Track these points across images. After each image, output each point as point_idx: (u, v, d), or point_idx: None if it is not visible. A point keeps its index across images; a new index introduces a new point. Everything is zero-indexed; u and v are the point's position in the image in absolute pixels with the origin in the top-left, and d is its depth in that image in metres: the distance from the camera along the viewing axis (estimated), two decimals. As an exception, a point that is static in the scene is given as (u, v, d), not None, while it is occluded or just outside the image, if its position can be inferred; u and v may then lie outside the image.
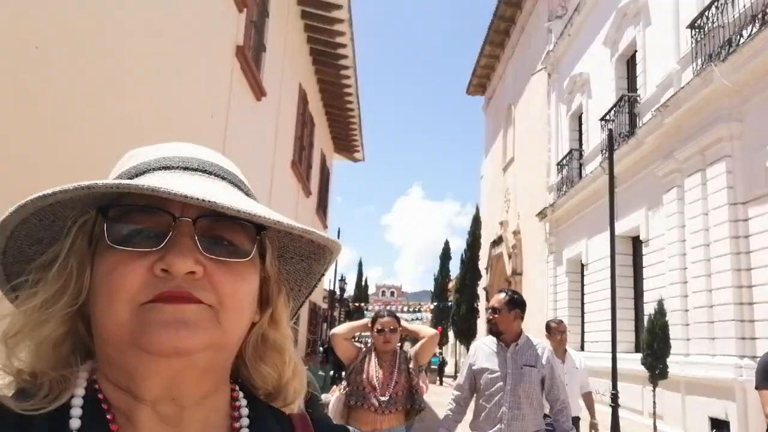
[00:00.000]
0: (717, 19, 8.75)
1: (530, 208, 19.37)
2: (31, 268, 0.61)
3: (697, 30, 9.31)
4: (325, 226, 20.50)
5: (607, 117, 13.08)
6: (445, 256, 37.35)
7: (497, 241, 24.53)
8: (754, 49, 7.76)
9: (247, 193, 0.68)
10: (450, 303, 31.84)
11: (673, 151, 9.95)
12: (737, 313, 8.09)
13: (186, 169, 0.63)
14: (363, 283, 51.22)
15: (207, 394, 0.62)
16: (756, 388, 3.61)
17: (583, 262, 14.90)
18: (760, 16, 7.70)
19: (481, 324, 24.27)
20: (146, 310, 0.54)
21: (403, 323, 4.41)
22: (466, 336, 26.22)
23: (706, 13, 9.03)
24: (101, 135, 4.18)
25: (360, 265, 57.83)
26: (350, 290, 49.53)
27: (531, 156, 20.33)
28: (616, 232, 12.20)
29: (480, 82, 30.03)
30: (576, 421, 5.42)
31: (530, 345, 3.96)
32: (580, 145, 15.94)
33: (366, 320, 4.44)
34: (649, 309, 9.82)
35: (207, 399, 0.62)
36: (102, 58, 4.22)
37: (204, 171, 0.64)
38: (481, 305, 26.03)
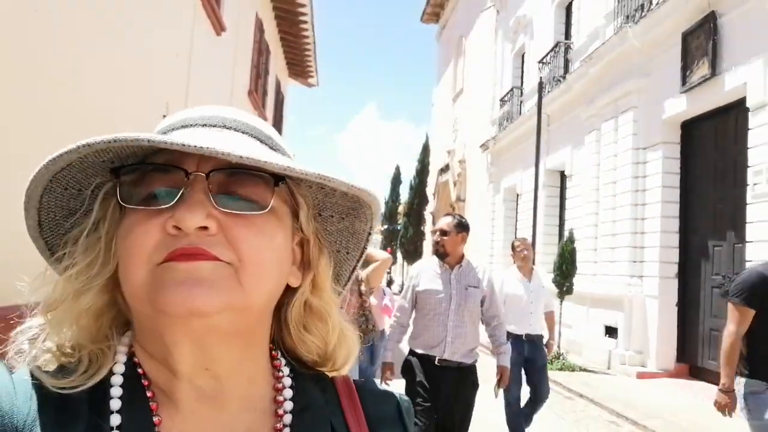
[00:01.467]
0: (637, -18, 9.88)
1: (475, 138, 20.64)
2: (66, 239, 0.61)
3: (619, -9, 10.45)
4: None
5: (544, 60, 14.27)
6: (396, 180, 38.78)
7: (444, 169, 25.95)
8: (659, 16, 8.99)
9: (273, 148, 0.65)
10: (399, 226, 33.49)
11: (594, 98, 11.28)
12: (631, 241, 9.70)
13: (205, 125, 0.61)
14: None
15: (241, 362, 0.60)
16: (731, 302, 3.37)
17: (518, 192, 16.43)
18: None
19: (427, 246, 26.02)
20: (161, 270, 0.53)
21: None
22: (413, 257, 28.05)
23: (628, -24, 10.14)
24: (73, 82, 4.54)
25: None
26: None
27: (478, 89, 21.44)
28: (547, 166, 13.76)
29: (434, 11, 30.46)
30: (540, 339, 5.62)
31: (471, 267, 4.17)
32: (522, 83, 17.14)
33: None
34: (578, 236, 11.42)
35: (243, 369, 0.61)
36: (76, 5, 4.61)
37: (224, 126, 0.62)
38: (428, 229, 27.75)
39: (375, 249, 4.77)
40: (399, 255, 32.76)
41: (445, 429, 4.02)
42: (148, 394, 0.57)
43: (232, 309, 0.55)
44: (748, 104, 7.24)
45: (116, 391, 0.56)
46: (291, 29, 18.23)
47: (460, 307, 4.00)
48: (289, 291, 0.64)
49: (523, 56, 17.28)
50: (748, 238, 7.15)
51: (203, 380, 0.58)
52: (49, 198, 0.59)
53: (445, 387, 3.98)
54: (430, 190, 28.87)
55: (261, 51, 15.69)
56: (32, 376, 0.55)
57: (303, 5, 16.34)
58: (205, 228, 0.54)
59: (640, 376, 8.89)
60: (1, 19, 3.61)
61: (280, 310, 0.65)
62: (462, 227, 4.16)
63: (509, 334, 4.99)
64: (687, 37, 8.50)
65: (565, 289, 9.93)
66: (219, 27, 10.08)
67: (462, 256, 4.16)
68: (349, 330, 0.71)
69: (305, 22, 17.52)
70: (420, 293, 4.11)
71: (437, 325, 3.99)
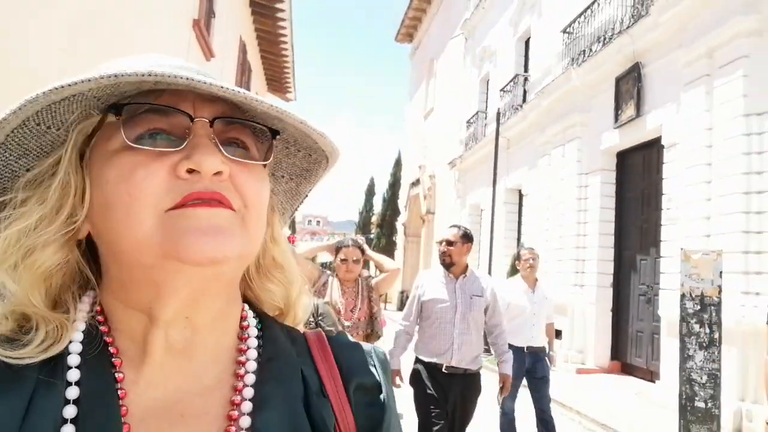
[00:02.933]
0: (582, 29, 11.36)
1: (444, 155, 22.03)
2: (19, 185, 0.55)
3: (567, 35, 11.93)
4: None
5: (505, 89, 15.73)
6: (370, 192, 40.05)
7: (415, 183, 27.32)
8: (597, 61, 10.47)
9: None
10: (372, 236, 34.74)
11: (546, 127, 12.73)
12: (574, 255, 11.12)
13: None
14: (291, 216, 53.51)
15: (221, 312, 0.60)
16: None
17: (481, 208, 17.82)
18: (603, 36, 10.35)
19: (398, 255, 27.28)
20: (175, 217, 0.51)
21: (368, 252, 4.55)
22: (385, 266, 29.28)
23: (574, 23, 11.62)
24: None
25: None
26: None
27: (447, 109, 22.87)
28: (507, 185, 15.18)
29: (408, 32, 31.91)
30: (542, 351, 5.47)
31: (475, 277, 4.27)
32: (486, 107, 18.59)
33: (329, 243, 4.59)
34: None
35: (219, 320, 0.60)
36: (84, 38, 5.19)
37: (203, 75, 0.57)
38: (399, 239, 29.08)
39: (386, 258, 4.91)
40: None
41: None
42: (111, 350, 0.55)
43: (243, 256, 0.55)
44: (663, 142, 8.70)
45: (75, 347, 0.54)
46: (271, 49, 19.60)
47: (465, 315, 4.08)
48: None
49: (488, 82, 18.74)
50: (662, 254, 8.59)
51: (178, 331, 0.57)
52: (17, 133, 0.53)
53: (453, 393, 4.08)
54: (401, 203, 30.20)
55: (244, 71, 17.03)
56: None
57: (283, 27, 17.69)
58: (219, 173, 0.53)
59: (580, 371, 10.25)
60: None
61: None
62: (467, 238, 4.24)
63: (510, 346, 4.91)
64: (619, 81, 9.98)
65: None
66: (209, 53, 11.38)
67: (466, 266, 4.26)
68: (304, 284, 0.72)
69: (285, 42, 18.87)
70: (425, 302, 4.19)
71: (444, 334, 4.07)
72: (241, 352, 0.62)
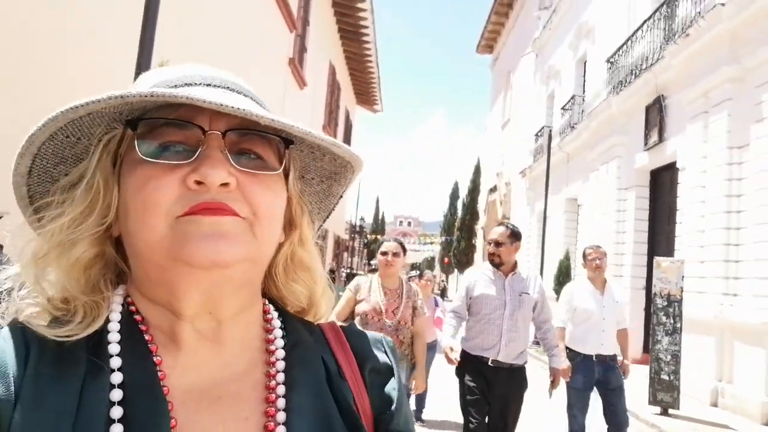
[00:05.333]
0: (621, 61, 12.88)
1: (517, 164, 23.63)
2: (55, 189, 0.62)
3: (610, 64, 13.45)
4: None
5: (565, 107, 17.27)
6: (454, 195, 42.00)
7: (493, 189, 29.01)
8: (630, 91, 12.00)
9: (267, 109, 0.68)
10: (454, 238, 36.66)
11: (595, 146, 14.27)
12: (614, 260, 12.62)
13: (209, 85, 0.63)
14: (380, 217, 56.38)
15: (242, 308, 0.64)
16: None
17: (546, 215, 19.37)
18: (636, 69, 11.87)
19: (477, 257, 29.08)
20: (183, 223, 0.56)
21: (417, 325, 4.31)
22: (464, 266, 31.17)
23: (616, 54, 13.14)
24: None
25: (377, 201, 63.31)
26: (369, 219, 55.06)
27: (520, 121, 24.45)
28: (567, 196, 16.74)
29: (488, 44, 33.51)
30: (614, 359, 5.01)
31: (522, 275, 4.27)
32: (552, 122, 20.11)
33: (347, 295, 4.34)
34: (579, 254, 14.47)
35: (242, 314, 0.65)
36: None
37: (227, 88, 0.65)
38: (478, 242, 30.86)
39: (424, 319, 4.54)
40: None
41: (497, 427, 4.16)
42: (147, 337, 0.60)
43: (249, 260, 0.59)
44: (678, 165, 10.20)
45: (114, 336, 0.59)
46: (359, 67, 22.24)
47: (514, 312, 4.10)
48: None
49: (553, 99, 20.25)
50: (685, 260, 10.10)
51: (204, 323, 0.62)
52: (49, 145, 0.59)
53: (499, 387, 4.11)
54: (480, 207, 31.93)
55: (333, 90, 19.63)
56: (24, 328, 0.57)
57: (368, 48, 20.13)
58: (225, 184, 0.57)
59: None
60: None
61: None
62: (515, 236, 4.24)
63: (578, 354, 4.91)
64: (648, 110, 11.48)
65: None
66: (302, 83, 13.88)
67: (515, 264, 4.26)
68: (329, 284, 0.77)
69: (370, 60, 21.35)
70: (475, 299, 4.21)
71: (492, 329, 4.10)
72: (269, 342, 0.67)
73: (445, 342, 4.27)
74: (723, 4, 8.42)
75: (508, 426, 4.16)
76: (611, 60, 13.40)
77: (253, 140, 0.61)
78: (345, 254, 31.77)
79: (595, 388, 5.00)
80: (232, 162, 0.58)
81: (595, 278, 5.12)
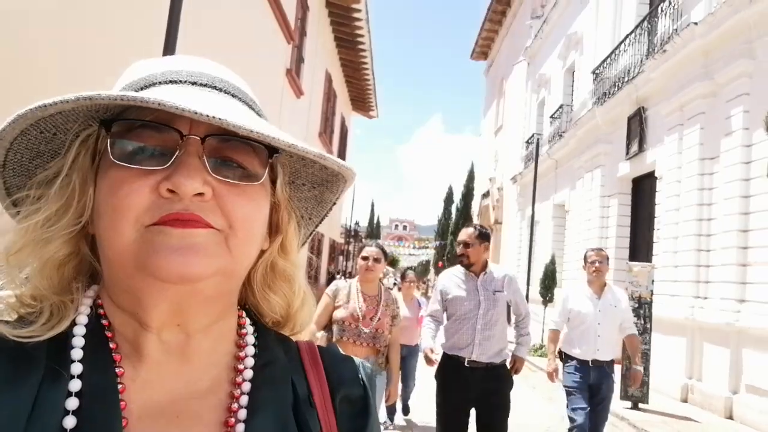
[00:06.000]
0: (605, 73, 13.39)
1: (509, 170, 24.14)
2: (32, 183, 0.60)
3: (596, 75, 13.96)
4: (344, 177, 25.87)
5: (554, 115, 17.79)
6: (449, 200, 42.50)
7: (486, 194, 29.51)
8: (613, 103, 12.51)
9: (259, 114, 0.66)
10: (447, 242, 37.10)
11: (581, 154, 14.78)
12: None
13: (194, 84, 0.61)
14: (375, 221, 56.91)
15: (214, 321, 0.61)
16: None
17: (537, 220, 19.87)
18: (619, 81, 12.38)
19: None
20: (152, 233, 0.53)
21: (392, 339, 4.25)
22: (457, 271, 31.62)
23: (601, 66, 13.66)
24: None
25: (372, 205, 64.07)
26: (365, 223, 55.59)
27: (512, 128, 24.97)
28: (555, 202, 17.24)
29: (482, 51, 34.09)
30: (610, 366, 4.92)
31: (495, 273, 4.22)
32: (542, 129, 20.62)
33: (324, 301, 4.25)
34: (567, 258, 14.96)
35: (214, 326, 0.61)
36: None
37: (214, 87, 0.62)
38: (471, 246, 31.38)
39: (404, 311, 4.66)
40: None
41: (483, 426, 4.13)
42: (111, 345, 0.57)
43: (221, 274, 0.56)
44: (656, 174, 10.69)
45: (78, 341, 0.56)
46: (355, 75, 22.73)
47: (488, 311, 4.09)
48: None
49: (543, 107, 20.78)
50: (654, 264, 10.59)
51: (172, 335, 0.58)
52: (22, 140, 0.56)
53: (478, 387, 4.07)
54: (475, 212, 32.40)
55: (329, 98, 20.12)
56: None
57: (364, 56, 20.63)
58: (199, 194, 0.54)
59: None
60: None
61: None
62: (483, 237, 4.21)
63: (573, 358, 4.89)
64: (630, 120, 11.98)
65: (547, 298, 13.47)
66: (299, 93, 14.34)
67: (486, 264, 4.22)
68: (311, 296, 0.73)
69: (366, 69, 21.85)
70: (449, 301, 4.21)
71: (466, 329, 4.09)
72: (239, 359, 0.63)
73: (425, 344, 4.32)
74: (696, 23, 8.92)
75: (496, 425, 4.10)
76: (596, 71, 13.91)
77: (235, 147, 0.58)
78: (341, 257, 32.23)
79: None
80: (210, 170, 0.55)
81: (593, 281, 4.98)
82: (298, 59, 14.57)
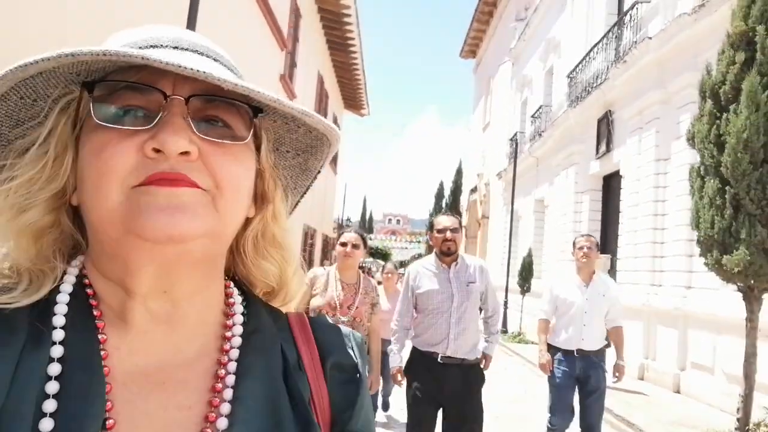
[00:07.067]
0: (578, 77, 14.30)
1: (496, 167, 25.05)
2: (9, 151, 0.59)
3: (570, 79, 14.88)
4: (335, 173, 26.86)
5: (535, 115, 18.71)
6: (439, 195, 43.45)
7: (474, 189, 30.44)
8: (584, 105, 13.44)
9: (239, 77, 0.64)
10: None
11: (558, 152, 15.71)
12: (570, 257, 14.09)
13: (176, 48, 0.60)
14: (367, 216, 57.85)
15: (200, 288, 0.61)
16: None
17: (520, 215, 20.83)
18: (590, 85, 13.29)
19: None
20: (138, 193, 0.52)
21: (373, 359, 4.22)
22: (447, 264, 32.58)
23: (575, 71, 14.56)
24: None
25: (364, 200, 65.02)
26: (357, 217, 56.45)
27: (498, 126, 25.89)
28: (536, 197, 18.16)
29: (471, 49, 34.95)
30: (599, 355, 4.75)
31: (465, 262, 4.05)
32: (525, 128, 21.54)
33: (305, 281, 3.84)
34: (546, 251, 15.92)
35: (200, 295, 0.61)
36: None
37: (195, 51, 0.61)
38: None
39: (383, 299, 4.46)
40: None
41: (455, 426, 3.94)
42: (96, 313, 0.57)
43: (209, 235, 0.55)
44: (621, 173, 11.63)
45: (61, 308, 0.56)
46: (346, 75, 23.63)
47: (462, 304, 3.94)
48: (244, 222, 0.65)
49: (526, 106, 21.69)
50: (618, 256, 11.54)
51: (158, 303, 0.58)
52: (1, 106, 0.56)
53: (450, 385, 3.90)
54: (463, 207, 33.35)
55: (321, 99, 20.99)
56: None
57: (355, 57, 21.48)
58: (186, 153, 0.53)
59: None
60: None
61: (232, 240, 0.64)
62: (461, 225, 4.11)
63: (558, 349, 4.74)
64: (599, 122, 12.91)
65: (525, 288, 14.42)
66: (292, 96, 15.20)
67: (457, 254, 4.05)
68: (301, 264, 0.74)
69: (357, 69, 22.72)
70: (420, 295, 4.02)
71: (440, 324, 3.92)
72: (227, 327, 0.63)
73: (394, 362, 4.12)
74: (650, 38, 9.84)
75: (467, 426, 3.92)
76: (570, 75, 14.82)
77: (220, 107, 0.57)
78: (333, 252, 33.01)
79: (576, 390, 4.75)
80: (195, 129, 0.55)
81: (582, 268, 4.84)
82: (291, 64, 15.43)
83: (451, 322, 3.91)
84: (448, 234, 4.00)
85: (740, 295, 5.50)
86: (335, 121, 25.20)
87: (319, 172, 0.74)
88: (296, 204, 0.77)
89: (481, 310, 4.19)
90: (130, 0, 6.33)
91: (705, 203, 5.47)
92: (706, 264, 5.53)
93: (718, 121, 5.46)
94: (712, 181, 5.43)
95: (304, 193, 0.76)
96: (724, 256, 5.21)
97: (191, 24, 5.97)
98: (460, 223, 4.14)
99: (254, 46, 11.74)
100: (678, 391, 8.60)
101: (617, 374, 4.71)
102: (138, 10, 6.33)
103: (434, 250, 4.14)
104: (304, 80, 17.09)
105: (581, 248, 4.82)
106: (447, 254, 4.03)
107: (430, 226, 4.18)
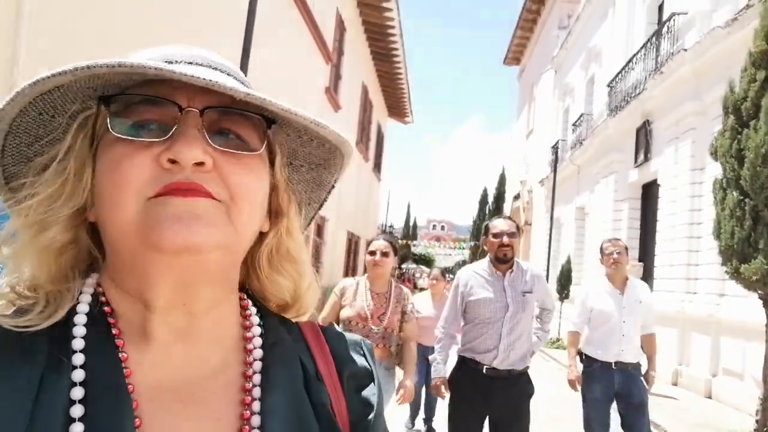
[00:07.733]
0: (618, 86, 14.47)
1: (539, 174, 25.18)
2: (29, 169, 0.59)
3: (610, 88, 15.05)
4: (379, 180, 27.37)
5: (576, 123, 18.86)
6: (483, 201, 43.45)
7: (517, 196, 30.56)
8: (623, 115, 13.61)
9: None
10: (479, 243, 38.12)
11: (598, 160, 15.86)
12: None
13: (190, 63, 0.61)
14: (411, 223, 58.33)
15: (217, 301, 0.61)
16: None
17: (561, 222, 20.94)
18: (629, 95, 13.47)
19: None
20: (154, 204, 0.53)
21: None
22: (490, 270, 32.73)
23: (614, 80, 14.73)
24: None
25: (408, 206, 65.57)
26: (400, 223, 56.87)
27: (541, 133, 26.01)
28: (577, 204, 18.31)
29: (515, 56, 35.06)
30: (637, 368, 4.43)
31: (521, 269, 3.81)
32: (567, 136, 21.66)
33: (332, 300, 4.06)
34: (586, 258, 16.08)
35: (217, 309, 0.62)
36: None
37: (209, 66, 0.63)
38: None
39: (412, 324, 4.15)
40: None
41: None
42: (114, 331, 0.57)
43: (224, 246, 0.56)
44: (659, 182, 11.79)
45: (79, 330, 0.56)
46: (390, 84, 24.15)
47: (516, 314, 3.68)
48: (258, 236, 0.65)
49: (568, 114, 21.81)
50: (655, 264, 11.69)
51: (177, 316, 0.58)
52: (20, 122, 0.56)
53: (498, 398, 3.67)
54: (507, 213, 33.46)
55: (366, 108, 21.56)
56: None
57: (398, 68, 22.01)
58: (201, 164, 0.54)
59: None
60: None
61: (246, 254, 0.65)
62: (519, 229, 3.85)
63: (595, 361, 4.42)
64: (638, 131, 13.07)
65: (563, 294, 14.63)
66: (337, 107, 15.75)
67: (513, 260, 3.79)
68: (315, 277, 0.74)
69: (401, 78, 23.25)
70: (471, 303, 3.75)
71: (491, 334, 3.67)
72: (247, 339, 0.64)
73: (436, 372, 3.89)
74: (686, 50, 10.03)
75: None
76: (611, 84, 14.99)
77: (234, 120, 0.59)
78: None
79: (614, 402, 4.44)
80: (209, 140, 0.56)
81: (613, 275, 4.55)
82: (336, 77, 16.02)
83: (502, 332, 3.67)
84: (505, 239, 3.71)
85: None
86: (379, 128, 25.78)
87: (333, 186, 0.74)
88: (310, 221, 0.77)
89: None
90: (190, 10, 6.95)
91: (726, 214, 5.75)
92: (727, 272, 5.80)
93: (739, 136, 5.73)
94: (733, 193, 5.71)
95: (319, 208, 0.77)
96: (743, 264, 5.48)
97: (247, 43, 6.56)
98: (517, 227, 3.85)
99: (301, 62, 12.33)
100: (709, 397, 8.76)
101: (648, 386, 4.45)
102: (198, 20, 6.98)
103: (488, 255, 3.84)
104: (349, 91, 17.63)
105: (610, 254, 4.55)
106: (502, 261, 3.74)
107: (485, 230, 3.87)
